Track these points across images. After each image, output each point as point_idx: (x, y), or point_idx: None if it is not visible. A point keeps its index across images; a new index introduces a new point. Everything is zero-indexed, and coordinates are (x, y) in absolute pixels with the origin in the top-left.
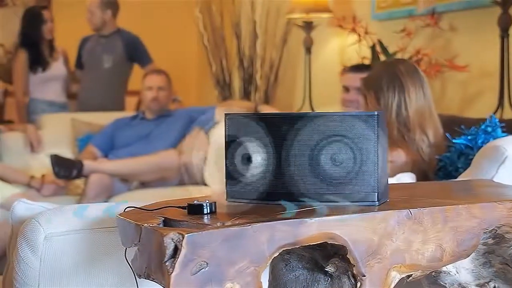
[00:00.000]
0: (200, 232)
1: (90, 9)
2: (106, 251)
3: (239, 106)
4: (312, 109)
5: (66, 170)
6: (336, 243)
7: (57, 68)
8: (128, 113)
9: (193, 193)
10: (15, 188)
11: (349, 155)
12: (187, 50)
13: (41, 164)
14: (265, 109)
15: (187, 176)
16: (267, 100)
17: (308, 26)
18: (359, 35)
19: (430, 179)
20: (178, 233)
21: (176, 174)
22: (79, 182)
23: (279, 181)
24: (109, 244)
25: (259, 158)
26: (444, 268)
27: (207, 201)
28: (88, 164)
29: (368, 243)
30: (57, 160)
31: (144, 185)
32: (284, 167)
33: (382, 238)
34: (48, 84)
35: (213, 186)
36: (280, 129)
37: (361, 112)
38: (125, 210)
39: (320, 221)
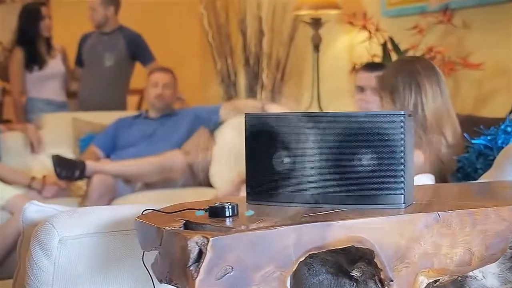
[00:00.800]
0: (225, 236)
1: (92, 7)
2: (122, 254)
3: (245, 105)
4: (320, 109)
5: (69, 171)
6: (363, 246)
7: (55, 66)
8: (130, 112)
9: (205, 194)
10: (15, 189)
11: (375, 156)
12: (190, 47)
13: (42, 165)
14: (272, 108)
15: (192, 177)
16: (273, 99)
17: (316, 23)
18: (370, 32)
19: (448, 180)
20: (202, 236)
21: (181, 175)
22: (81, 183)
23: (303, 183)
24: (125, 247)
25: (281, 158)
26: (470, 273)
27: (229, 203)
28: (90, 164)
29: (395, 247)
30: (59, 161)
31: (148, 186)
32: (308, 168)
33: (410, 241)
34: (46, 83)
35: (219, 188)
36: (302, 129)
37: (387, 111)
38: (143, 213)
39: (348, 224)
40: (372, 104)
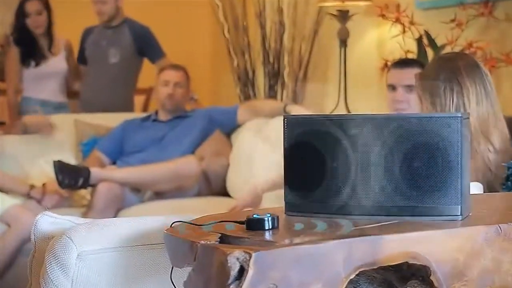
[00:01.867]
0: (269, 251)
1: None
2: (147, 271)
3: (264, 106)
4: (348, 110)
5: (72, 178)
6: (417, 263)
7: (56, 63)
8: (138, 114)
9: (221, 204)
10: (13, 199)
11: (428, 163)
12: (200, 42)
13: (41, 172)
14: (296, 110)
15: (207, 185)
16: (295, 99)
17: (343, 15)
18: (404, 26)
19: (498, 189)
20: (244, 251)
21: (195, 183)
22: (84, 192)
23: (348, 192)
24: (151, 263)
25: (325, 166)
26: None
27: (269, 215)
28: (95, 171)
29: (452, 263)
30: (61, 167)
31: (158, 195)
32: (354, 176)
33: (468, 257)
34: (43, 81)
35: (237, 197)
36: (348, 133)
37: (442, 113)
38: (172, 225)
39: (401, 238)
40: (405, 104)
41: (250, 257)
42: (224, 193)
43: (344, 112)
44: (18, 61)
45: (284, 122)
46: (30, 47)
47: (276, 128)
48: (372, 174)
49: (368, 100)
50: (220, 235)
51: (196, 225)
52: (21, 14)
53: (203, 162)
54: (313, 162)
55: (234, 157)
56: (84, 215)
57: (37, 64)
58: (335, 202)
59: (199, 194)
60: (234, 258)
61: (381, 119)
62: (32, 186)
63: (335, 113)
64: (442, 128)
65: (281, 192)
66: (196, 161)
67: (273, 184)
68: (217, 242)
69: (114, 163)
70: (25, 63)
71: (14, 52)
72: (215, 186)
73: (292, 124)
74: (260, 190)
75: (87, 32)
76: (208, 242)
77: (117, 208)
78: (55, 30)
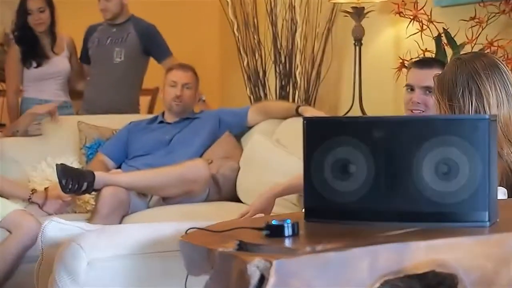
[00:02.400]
0: (291, 259)
1: None
2: (160, 279)
3: (276, 107)
4: (363, 112)
5: (75, 182)
6: (444, 271)
7: (57, 63)
8: (143, 115)
9: (232, 210)
10: (14, 204)
11: (455, 167)
12: (210, 41)
13: (43, 176)
14: (308, 111)
15: (216, 190)
16: (308, 101)
17: (358, 12)
18: (422, 24)
19: None
20: (264, 259)
21: (203, 188)
22: (88, 197)
23: (372, 197)
24: (164, 271)
25: (346, 170)
26: None
27: (288, 221)
28: (100, 175)
29: (481, 271)
30: (64, 171)
31: (165, 201)
32: (378, 180)
33: (497, 265)
34: (44, 82)
35: (248, 202)
36: (371, 136)
37: (470, 115)
38: (187, 232)
39: (427, 245)
40: (422, 106)
41: (271, 265)
42: (234, 198)
43: (359, 114)
44: (18, 60)
45: (303, 124)
46: (32, 45)
47: (288, 130)
48: (396, 179)
49: (384, 101)
50: (238, 242)
51: (213, 231)
52: (22, 11)
53: (212, 166)
54: (335, 166)
55: (244, 161)
56: (90, 221)
57: (38, 64)
58: (358, 208)
59: (208, 199)
60: (254, 266)
61: (406, 121)
62: (33, 191)
63: (349, 115)
64: (469, 131)
65: (293, 197)
66: (205, 164)
67: (286, 189)
68: (235, 250)
69: (119, 167)
70: (26, 62)
71: (15, 51)
72: (225, 191)
73: (312, 126)
74: (272, 195)
75: (91, 30)
76: (226, 250)
77: (122, 214)
78: (58, 28)
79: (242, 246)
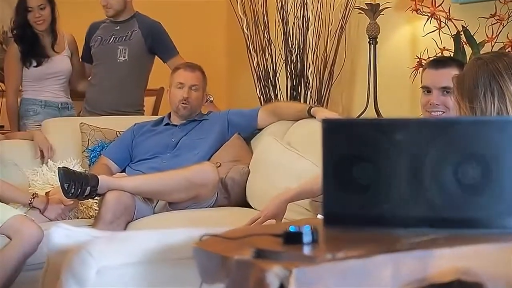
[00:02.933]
0: (311, 266)
1: None
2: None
3: (287, 108)
4: (378, 113)
5: (78, 187)
6: (469, 279)
7: (58, 62)
8: (148, 117)
9: (242, 216)
10: (14, 209)
11: (482, 170)
12: (218, 39)
13: (44, 180)
14: (322, 113)
15: (225, 195)
16: (320, 101)
17: (373, 9)
18: (440, 21)
19: None
20: (283, 267)
21: (212, 193)
22: (91, 202)
23: (395, 203)
24: (176, 279)
25: (367, 174)
26: None
27: (308, 227)
28: (104, 180)
29: (508, 280)
30: (66, 175)
31: (172, 206)
32: (400, 185)
33: None
34: (45, 82)
35: (259, 208)
36: (393, 138)
37: (497, 117)
38: (201, 239)
39: (452, 253)
40: (441, 108)
41: (291, 273)
42: (244, 203)
43: (373, 115)
44: (18, 59)
45: (322, 126)
46: (32, 44)
47: (300, 132)
48: (420, 183)
49: (400, 102)
50: (255, 249)
51: (228, 238)
52: (22, 8)
53: (221, 170)
54: (355, 170)
55: (254, 164)
56: (91, 227)
57: (38, 63)
58: (379, 214)
59: (216, 204)
60: (273, 274)
61: (430, 123)
62: (34, 195)
63: (363, 116)
64: (496, 133)
65: (306, 202)
66: (213, 168)
67: (298, 194)
68: (252, 257)
69: (123, 170)
70: (26, 61)
71: (14, 50)
72: (234, 196)
73: (331, 129)
74: (284, 200)
75: (94, 28)
76: (243, 257)
77: (127, 220)
78: (59, 26)
79: (260, 254)
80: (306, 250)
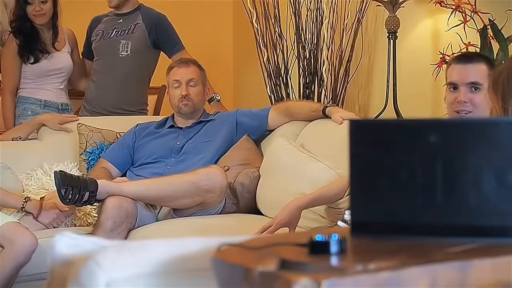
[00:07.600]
0: (341, 278)
1: None
2: None
3: (300, 108)
4: (397, 113)
5: (76, 192)
6: None
7: (58, 59)
8: (151, 117)
9: (252, 223)
10: (7, 216)
11: None
12: (225, 34)
13: (39, 184)
14: (337, 112)
15: (234, 201)
16: (335, 100)
17: (393, 2)
18: (465, 15)
19: None
20: (312, 279)
21: (219, 199)
22: (90, 208)
23: (428, 210)
24: None
25: (399, 179)
26: None
27: (335, 236)
28: (103, 184)
29: None
30: (63, 179)
31: (176, 212)
32: (434, 191)
33: None
34: (43, 80)
35: (270, 215)
36: (427, 141)
37: None
38: (220, 249)
39: (493, 264)
40: (469, 106)
41: (320, 285)
42: (254, 210)
43: (393, 115)
44: (16, 56)
45: (349, 128)
46: (30, 38)
47: (314, 134)
48: (457, 189)
49: (422, 101)
50: (279, 260)
51: (249, 248)
52: (22, 0)
53: (229, 174)
54: (386, 175)
55: (265, 168)
56: (91, 234)
57: (36, 59)
58: (413, 222)
59: (224, 211)
60: (301, 286)
61: (467, 123)
62: (26, 198)
63: (382, 117)
64: None
65: (321, 209)
66: (221, 172)
67: (313, 200)
68: (277, 269)
69: (124, 174)
70: (24, 56)
71: (12, 45)
72: (243, 202)
73: (359, 130)
74: (297, 207)
75: (95, 22)
76: (267, 269)
77: (128, 227)
78: (60, 21)
79: (284, 265)
80: (334, 260)
